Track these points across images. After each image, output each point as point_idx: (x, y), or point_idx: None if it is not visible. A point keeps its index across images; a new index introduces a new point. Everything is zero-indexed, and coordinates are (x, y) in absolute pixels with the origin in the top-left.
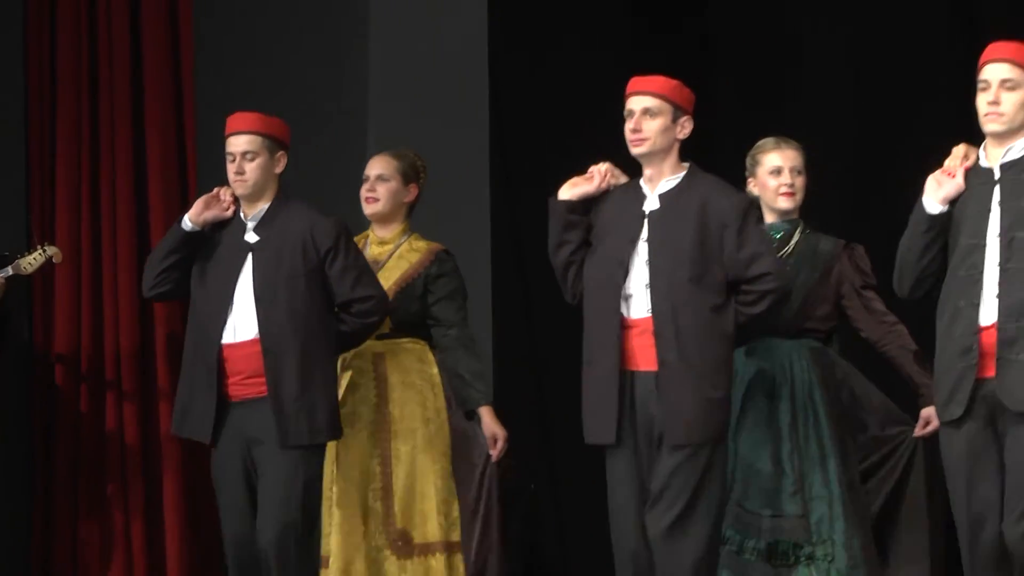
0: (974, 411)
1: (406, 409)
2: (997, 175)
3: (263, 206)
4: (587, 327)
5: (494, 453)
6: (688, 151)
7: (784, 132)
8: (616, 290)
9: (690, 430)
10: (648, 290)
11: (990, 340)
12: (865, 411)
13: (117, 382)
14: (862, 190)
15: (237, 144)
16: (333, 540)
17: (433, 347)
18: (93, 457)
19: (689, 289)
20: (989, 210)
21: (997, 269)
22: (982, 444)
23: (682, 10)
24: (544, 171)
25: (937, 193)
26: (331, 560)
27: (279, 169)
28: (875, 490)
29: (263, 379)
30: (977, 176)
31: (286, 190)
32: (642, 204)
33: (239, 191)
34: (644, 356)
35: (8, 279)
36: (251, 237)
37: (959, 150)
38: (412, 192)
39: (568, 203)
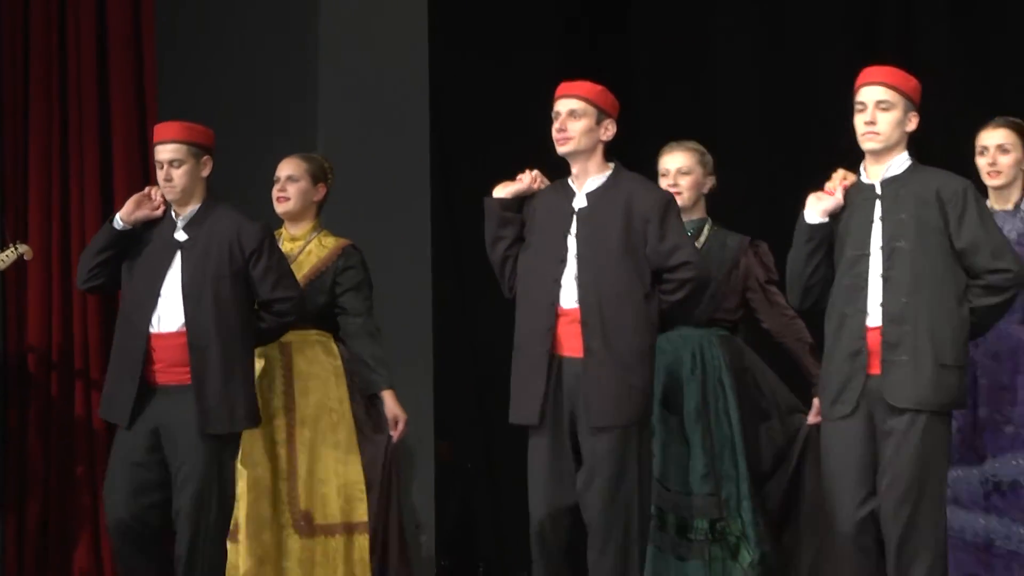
0: (858, 408)
1: (311, 397)
2: (878, 190)
3: (193, 207)
4: (520, 316)
5: (395, 434)
6: (615, 149)
7: (696, 130)
8: (549, 282)
9: (614, 413)
10: (576, 282)
11: (875, 341)
12: (766, 398)
13: (85, 371)
14: (766, 188)
15: (164, 152)
16: (241, 517)
17: (338, 338)
18: (62, 441)
19: (615, 280)
20: (872, 223)
21: (880, 278)
22: (860, 438)
23: (607, 21)
24: (482, 170)
25: (817, 206)
26: (240, 535)
27: (205, 173)
28: (779, 475)
29: (186, 369)
30: (860, 192)
31: (215, 192)
32: (571, 201)
33: (168, 196)
34: (571, 343)
35: None
36: (180, 236)
37: (838, 173)
38: (320, 191)
39: (502, 201)
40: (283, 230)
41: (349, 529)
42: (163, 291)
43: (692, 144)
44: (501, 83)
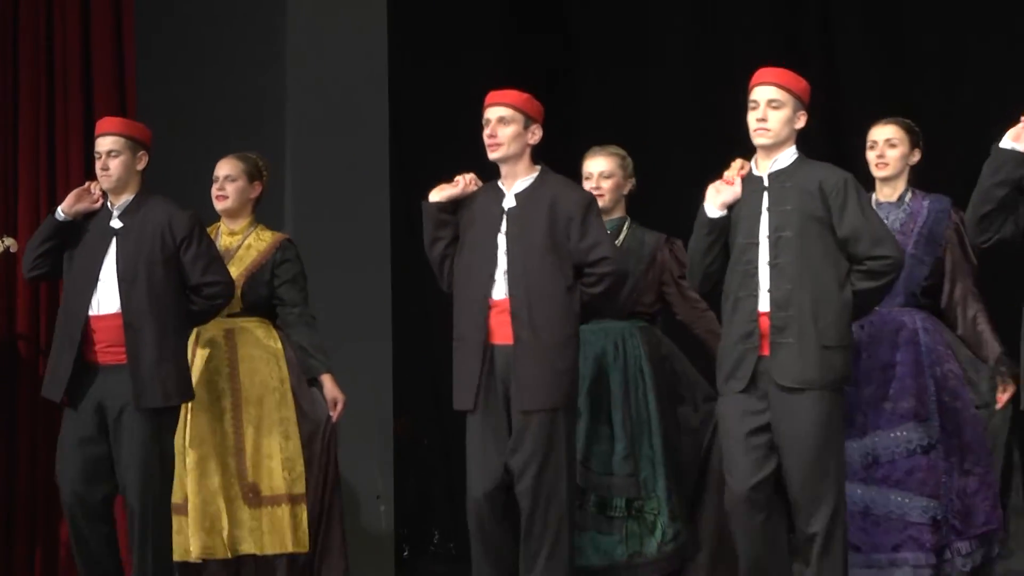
0: (752, 385)
1: (255, 378)
2: (766, 183)
3: (127, 197)
4: (457, 308)
5: (334, 414)
6: (542, 150)
7: (627, 131)
8: (483, 276)
9: (541, 396)
10: (506, 276)
11: (765, 324)
12: (682, 384)
13: None
14: (692, 186)
15: (103, 144)
16: (190, 493)
17: (277, 325)
18: (49, 417)
19: (540, 274)
20: (760, 213)
21: (768, 266)
22: (753, 410)
23: (547, 25)
24: (437, 168)
25: (716, 199)
26: (189, 510)
27: (141, 166)
28: (693, 456)
29: (123, 348)
30: (750, 184)
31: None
32: (501, 202)
33: (104, 184)
34: (502, 332)
35: None
36: (116, 223)
37: (736, 163)
38: (257, 189)
39: (438, 204)
40: (221, 225)
41: (293, 499)
42: (101, 276)
43: (614, 149)
44: (454, 86)
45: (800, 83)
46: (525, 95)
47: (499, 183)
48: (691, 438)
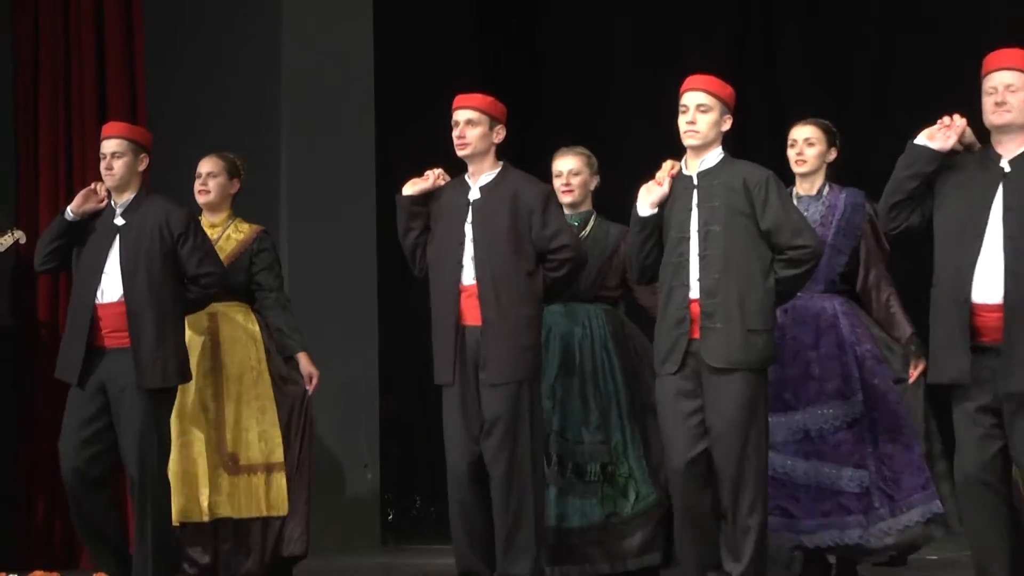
0: (684, 366)
1: (235, 357)
2: (695, 181)
3: (129, 196)
4: (433, 293)
5: (310, 388)
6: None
7: (595, 135)
8: (452, 263)
9: (507, 370)
10: (473, 262)
11: (696, 311)
12: (643, 361)
13: None
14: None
15: (108, 146)
16: (173, 459)
17: (255, 310)
18: (64, 395)
19: (505, 260)
20: (690, 209)
21: (697, 257)
22: (687, 390)
23: (518, 40)
24: (419, 164)
25: (647, 199)
26: (170, 475)
27: (142, 168)
28: (655, 425)
29: (126, 333)
30: (681, 182)
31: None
32: (467, 195)
33: (108, 183)
34: (471, 314)
35: None
36: (119, 221)
37: (666, 164)
38: (235, 185)
39: (410, 198)
40: (202, 218)
41: (269, 468)
42: (106, 268)
43: (581, 149)
44: (434, 91)
45: (726, 89)
46: (490, 98)
47: (466, 177)
48: (652, 409)
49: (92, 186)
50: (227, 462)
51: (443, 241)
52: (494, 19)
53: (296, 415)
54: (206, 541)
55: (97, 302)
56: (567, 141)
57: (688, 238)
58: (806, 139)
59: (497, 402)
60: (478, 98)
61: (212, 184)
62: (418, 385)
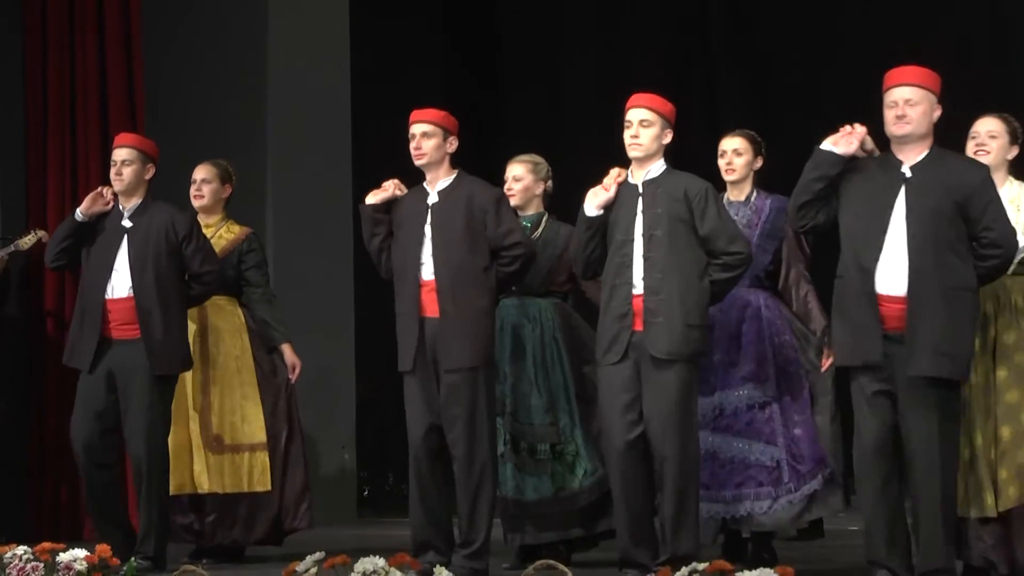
0: (626, 357)
1: (221, 347)
2: (640, 190)
3: (136, 201)
4: (397, 288)
5: (293, 377)
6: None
7: (551, 143)
8: (414, 261)
9: (464, 358)
10: (432, 259)
11: (639, 306)
12: (588, 350)
13: None
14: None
15: (119, 154)
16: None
17: (242, 303)
18: (73, 381)
19: (461, 258)
20: (635, 215)
21: (642, 258)
22: (629, 380)
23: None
24: (391, 173)
25: (594, 201)
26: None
27: (148, 176)
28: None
29: (134, 326)
30: (626, 190)
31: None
32: (426, 199)
33: (116, 187)
34: (431, 307)
35: (11, 255)
36: (127, 223)
37: (613, 172)
38: (227, 190)
39: (373, 206)
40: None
41: (252, 448)
42: (115, 266)
43: (528, 157)
44: (403, 106)
45: (667, 106)
46: (443, 112)
47: (424, 184)
48: (596, 394)
49: (99, 190)
50: (212, 443)
51: (405, 241)
52: (461, 43)
53: (281, 402)
54: (194, 512)
55: (107, 297)
56: (528, 150)
57: (633, 241)
58: (734, 149)
59: (455, 387)
60: (432, 112)
61: (206, 189)
62: (391, 373)
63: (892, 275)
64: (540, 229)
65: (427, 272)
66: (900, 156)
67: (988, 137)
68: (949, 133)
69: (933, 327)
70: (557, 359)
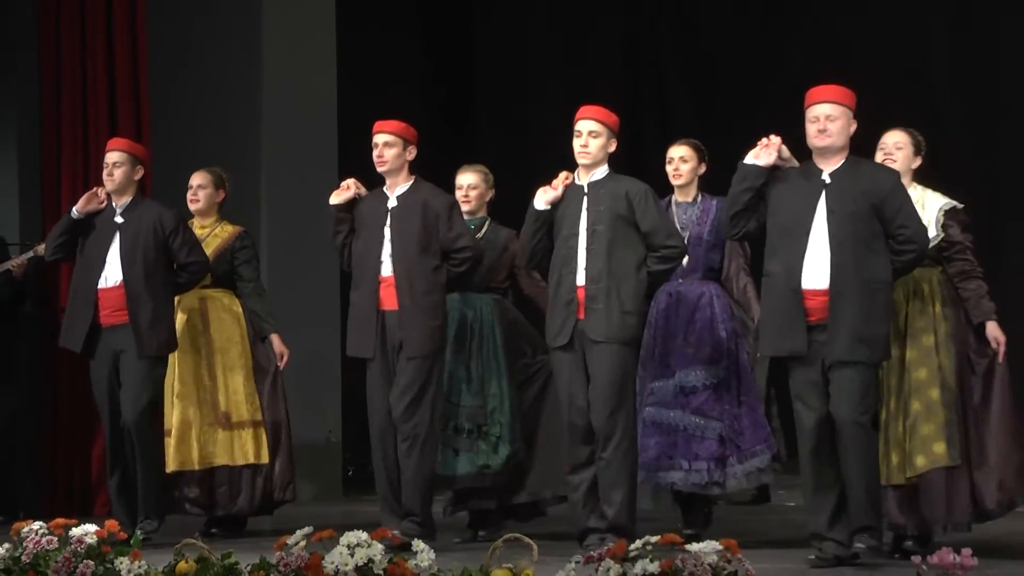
0: (572, 341)
1: (222, 335)
2: (586, 190)
3: (127, 199)
4: (354, 283)
5: (281, 364)
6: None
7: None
8: (374, 259)
9: (420, 346)
10: (391, 258)
11: (582, 295)
12: (524, 341)
13: None
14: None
15: (110, 157)
16: (174, 421)
17: (238, 295)
18: (85, 373)
19: (417, 258)
20: (581, 212)
21: (585, 250)
22: (576, 363)
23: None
24: (376, 178)
25: (543, 197)
26: (172, 433)
27: (138, 176)
28: (531, 393)
29: (125, 312)
30: (574, 190)
31: (148, 191)
32: (386, 203)
33: (108, 187)
34: (389, 300)
35: (30, 259)
36: (119, 219)
37: (562, 175)
38: (221, 195)
39: (337, 206)
40: (194, 221)
41: (254, 424)
42: (107, 258)
43: (479, 167)
44: (388, 117)
45: (611, 117)
46: (403, 124)
47: (384, 189)
48: (530, 383)
49: (94, 189)
50: (221, 419)
51: (367, 241)
52: (437, 56)
53: (269, 388)
54: (203, 485)
55: (100, 287)
56: (489, 158)
57: (578, 235)
58: (680, 157)
59: (410, 371)
60: (393, 124)
61: (201, 195)
62: None
63: (816, 271)
64: (483, 231)
65: (386, 269)
66: (821, 165)
67: (895, 148)
68: (861, 144)
69: (853, 316)
70: (492, 349)
